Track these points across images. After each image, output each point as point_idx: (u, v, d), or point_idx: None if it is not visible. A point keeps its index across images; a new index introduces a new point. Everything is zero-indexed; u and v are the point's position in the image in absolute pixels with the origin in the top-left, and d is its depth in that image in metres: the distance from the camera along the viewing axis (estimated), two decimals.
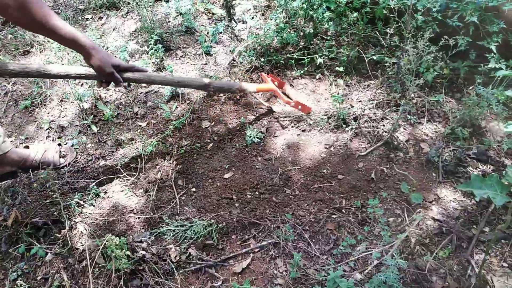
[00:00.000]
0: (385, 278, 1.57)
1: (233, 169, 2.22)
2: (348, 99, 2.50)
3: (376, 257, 1.72)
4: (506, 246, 1.74)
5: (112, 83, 1.87)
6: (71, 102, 2.65)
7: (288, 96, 2.54)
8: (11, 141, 2.40)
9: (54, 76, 1.80)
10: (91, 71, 1.82)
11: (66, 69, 1.80)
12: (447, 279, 1.65)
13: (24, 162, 2.20)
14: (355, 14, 2.53)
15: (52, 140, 2.46)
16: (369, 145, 2.25)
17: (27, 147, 2.28)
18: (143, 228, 1.94)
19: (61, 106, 2.64)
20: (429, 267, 1.68)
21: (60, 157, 2.29)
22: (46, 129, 2.51)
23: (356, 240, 1.82)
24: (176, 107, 2.57)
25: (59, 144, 2.37)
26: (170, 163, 2.25)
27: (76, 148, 2.39)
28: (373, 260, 1.73)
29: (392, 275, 1.57)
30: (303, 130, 2.38)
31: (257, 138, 2.33)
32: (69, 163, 2.30)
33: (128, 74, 1.90)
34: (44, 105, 2.65)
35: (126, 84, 2.07)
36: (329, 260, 1.75)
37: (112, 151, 2.36)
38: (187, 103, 2.58)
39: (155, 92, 2.70)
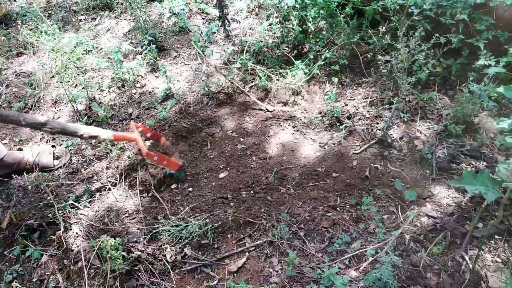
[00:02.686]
0: (380, 275, 1.58)
1: (228, 168, 2.22)
2: (342, 97, 2.51)
3: (371, 254, 1.73)
4: (499, 241, 1.75)
5: None
6: (65, 104, 2.64)
7: (164, 151, 2.23)
8: (5, 143, 2.39)
9: None
10: None
11: None
12: (441, 275, 1.66)
13: (18, 165, 2.19)
14: (348, 9, 2.52)
15: (47, 141, 2.45)
16: (363, 143, 2.26)
17: (20, 149, 2.27)
18: (138, 229, 1.94)
19: (55, 108, 2.63)
20: (423, 263, 1.69)
21: (54, 159, 2.28)
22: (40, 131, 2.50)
23: (351, 238, 1.83)
24: (171, 107, 2.57)
25: (53, 146, 2.36)
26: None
27: (70, 150, 2.39)
28: (368, 257, 1.74)
29: (387, 272, 1.58)
30: (298, 129, 2.38)
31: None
32: (64, 165, 2.29)
33: None
34: (38, 106, 2.64)
35: None
36: (324, 257, 1.76)
37: (107, 152, 2.36)
38: (182, 103, 2.58)
39: (149, 92, 2.70)
